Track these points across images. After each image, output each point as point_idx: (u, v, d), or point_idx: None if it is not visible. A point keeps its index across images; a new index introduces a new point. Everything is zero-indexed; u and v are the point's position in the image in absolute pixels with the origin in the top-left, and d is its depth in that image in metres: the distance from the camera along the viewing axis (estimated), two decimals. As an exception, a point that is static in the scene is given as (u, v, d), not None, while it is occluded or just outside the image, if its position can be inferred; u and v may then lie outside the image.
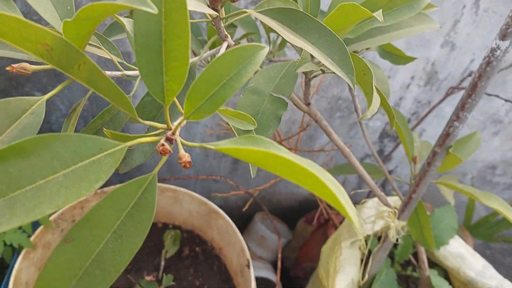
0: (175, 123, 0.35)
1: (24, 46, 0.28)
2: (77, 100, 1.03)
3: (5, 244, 0.85)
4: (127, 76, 0.41)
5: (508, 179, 1.48)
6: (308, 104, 0.67)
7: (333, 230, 1.19)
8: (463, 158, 0.69)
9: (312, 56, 0.58)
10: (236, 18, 0.52)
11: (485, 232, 1.33)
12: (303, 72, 0.64)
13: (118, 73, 0.41)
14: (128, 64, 0.45)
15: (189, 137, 1.16)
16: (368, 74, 0.51)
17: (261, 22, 0.78)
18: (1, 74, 0.93)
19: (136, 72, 0.43)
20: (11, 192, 0.27)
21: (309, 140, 1.25)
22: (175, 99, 0.35)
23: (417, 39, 1.03)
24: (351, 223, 0.25)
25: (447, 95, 1.14)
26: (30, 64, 0.36)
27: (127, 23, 0.38)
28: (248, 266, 0.86)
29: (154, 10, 0.27)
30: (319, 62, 0.58)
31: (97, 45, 0.41)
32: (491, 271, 0.91)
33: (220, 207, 1.01)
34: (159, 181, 1.08)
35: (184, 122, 0.34)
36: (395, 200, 0.97)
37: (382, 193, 0.77)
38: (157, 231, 1.05)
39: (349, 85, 0.48)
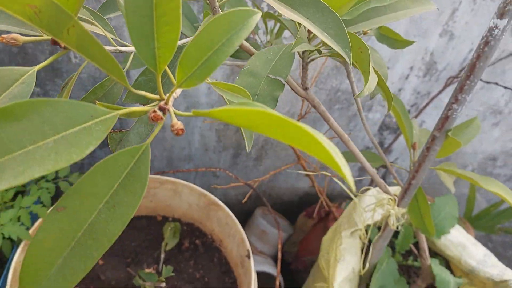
0: (168, 94, 0.34)
1: (12, 9, 0.28)
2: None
3: (3, 238, 0.84)
4: (120, 51, 0.41)
5: (509, 171, 1.48)
6: (305, 89, 0.66)
7: (333, 224, 1.18)
8: (462, 143, 0.69)
9: (308, 38, 0.58)
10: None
11: (486, 224, 1.33)
12: (300, 56, 0.63)
13: (111, 48, 0.40)
14: (122, 41, 0.45)
15: (189, 130, 1.15)
16: (364, 52, 0.50)
17: (258, 8, 0.77)
18: None
19: (129, 48, 0.43)
20: (0, 157, 0.27)
21: (309, 133, 1.25)
22: (168, 70, 0.35)
23: (415, 29, 1.02)
24: (344, 179, 0.24)
25: (446, 85, 1.14)
26: (22, 36, 0.35)
27: (119, -6, 0.37)
28: (248, 257, 0.85)
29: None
30: (317, 44, 0.58)
31: (90, 19, 0.41)
32: (492, 259, 0.90)
33: (220, 202, 1.01)
34: (158, 174, 1.07)
35: (178, 91, 0.34)
36: (395, 190, 0.97)
37: (382, 180, 0.76)
38: (157, 224, 1.04)
39: (346, 61, 0.48)
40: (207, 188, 1.36)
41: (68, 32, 0.28)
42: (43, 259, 0.31)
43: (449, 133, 0.67)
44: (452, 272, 0.96)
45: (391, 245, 0.98)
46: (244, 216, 1.47)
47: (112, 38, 0.42)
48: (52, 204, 0.92)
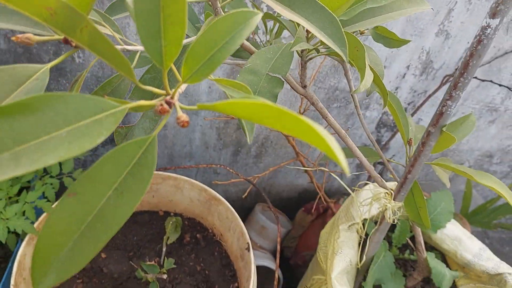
0: (174, 90, 0.36)
1: (29, 11, 0.30)
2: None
3: (9, 231, 0.86)
4: (127, 50, 0.43)
5: (505, 168, 1.50)
6: (304, 87, 0.68)
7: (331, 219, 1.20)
8: (457, 138, 0.71)
9: (307, 38, 0.60)
10: (232, -2, 0.53)
11: (483, 220, 1.35)
12: (299, 55, 0.65)
13: (118, 47, 0.42)
14: (128, 41, 0.47)
15: (190, 128, 1.17)
16: (360, 50, 0.52)
17: (257, 9, 0.79)
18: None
19: (136, 48, 0.45)
20: (16, 146, 0.29)
21: (308, 131, 1.27)
22: (173, 67, 0.37)
23: (411, 29, 1.04)
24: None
25: (443, 84, 1.16)
26: (34, 35, 0.37)
27: (127, -5, 0.39)
28: (248, 249, 0.87)
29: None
30: (315, 43, 0.60)
31: (99, 20, 0.43)
32: (487, 253, 0.92)
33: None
34: (160, 170, 1.09)
35: (183, 87, 0.36)
36: (392, 185, 0.99)
37: (378, 175, 0.78)
38: (159, 219, 1.06)
39: (343, 58, 0.50)
40: (208, 184, 1.38)
41: (81, 32, 0.30)
42: (55, 241, 0.33)
43: (443, 129, 0.68)
44: (448, 266, 0.98)
45: (388, 239, 1.00)
46: (244, 212, 1.49)
47: (119, 38, 0.44)
48: (56, 199, 0.94)
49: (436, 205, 0.95)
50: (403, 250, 1.02)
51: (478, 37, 0.60)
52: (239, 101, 0.28)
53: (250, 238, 1.31)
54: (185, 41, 0.53)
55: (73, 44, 0.36)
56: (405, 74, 1.15)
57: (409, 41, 0.70)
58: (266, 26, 0.80)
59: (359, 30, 0.69)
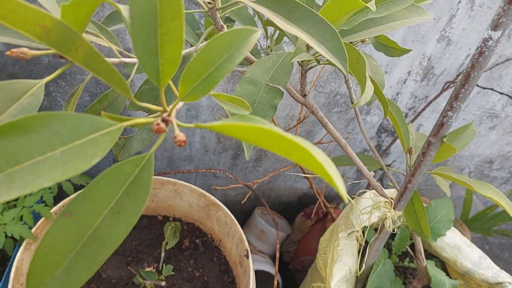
0: (171, 106, 0.36)
1: (23, 28, 0.29)
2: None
3: (6, 236, 0.86)
4: (125, 62, 0.43)
5: (505, 174, 1.49)
6: (304, 96, 0.68)
7: (331, 224, 1.20)
8: (458, 148, 0.70)
9: (307, 47, 0.59)
10: (232, 8, 0.53)
11: (482, 226, 1.34)
12: (299, 64, 0.65)
13: (115, 60, 0.42)
14: (126, 53, 0.46)
15: (190, 131, 1.17)
16: (361, 62, 0.52)
17: (259, 17, 0.79)
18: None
19: (134, 60, 0.45)
20: (9, 167, 0.28)
21: (308, 135, 1.27)
22: (171, 82, 0.37)
23: (413, 35, 1.04)
24: (337, 191, 0.26)
25: (444, 90, 1.15)
26: (30, 49, 0.37)
27: (124, 10, 0.39)
28: (247, 256, 0.87)
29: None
30: (315, 53, 0.59)
31: (96, 33, 0.42)
32: (487, 261, 0.92)
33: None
34: (159, 174, 1.09)
35: (180, 104, 0.35)
36: (392, 193, 0.98)
37: (378, 184, 0.78)
38: (158, 224, 1.06)
39: (343, 73, 0.49)
40: (207, 188, 1.38)
41: (76, 50, 0.30)
42: (50, 261, 0.32)
43: (444, 139, 0.68)
44: (447, 274, 0.97)
45: (388, 246, 1.00)
46: (244, 216, 1.49)
47: (117, 50, 0.44)
48: (54, 204, 0.93)
49: (436, 213, 0.95)
50: (402, 258, 1.01)
51: (479, 49, 0.59)
52: (236, 124, 0.28)
53: (249, 242, 1.31)
54: (184, 51, 0.53)
55: (69, 60, 0.36)
56: (406, 79, 1.15)
57: (409, 50, 0.70)
58: (266, 32, 0.80)
59: (360, 39, 0.69)
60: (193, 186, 1.01)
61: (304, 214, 1.36)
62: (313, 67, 0.63)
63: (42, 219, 0.88)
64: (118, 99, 0.44)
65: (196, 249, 1.02)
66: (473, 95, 1.20)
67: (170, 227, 1.00)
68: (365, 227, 0.92)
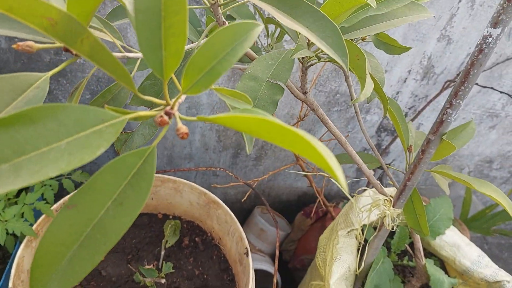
0: (174, 100, 0.36)
1: (30, 21, 0.30)
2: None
3: (7, 233, 0.86)
4: (128, 57, 0.43)
5: (505, 173, 1.50)
6: (305, 93, 0.68)
7: (330, 223, 1.20)
8: (457, 146, 0.71)
9: (308, 44, 0.59)
10: (234, 4, 0.53)
11: (482, 225, 1.35)
12: (299, 61, 0.65)
13: (119, 54, 0.42)
14: (129, 47, 0.47)
15: (190, 130, 1.17)
16: (361, 59, 0.52)
17: (260, 14, 0.79)
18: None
19: (137, 55, 0.45)
20: (16, 157, 0.29)
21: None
22: (173, 76, 0.37)
23: (413, 33, 1.04)
24: (338, 182, 0.26)
25: (444, 89, 1.16)
26: (35, 43, 0.37)
27: (128, 4, 0.39)
28: (247, 254, 0.87)
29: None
30: (316, 50, 0.60)
31: (100, 27, 0.43)
32: (486, 260, 0.92)
33: (220, 201, 1.03)
34: (160, 173, 1.09)
35: (183, 97, 0.36)
36: (391, 191, 0.98)
37: (378, 181, 0.78)
38: (158, 222, 1.06)
39: (343, 69, 0.49)
40: (207, 187, 1.38)
41: (81, 43, 0.30)
42: (54, 252, 0.33)
43: (443, 137, 0.68)
44: (446, 273, 0.98)
45: (387, 245, 1.00)
46: (244, 214, 1.49)
47: (120, 45, 0.44)
48: (55, 201, 0.94)
49: (436, 212, 0.95)
50: (402, 256, 1.01)
51: (479, 46, 0.60)
52: (239, 116, 0.28)
53: (249, 241, 1.31)
54: (186, 47, 0.53)
55: (74, 53, 0.36)
56: (406, 78, 1.15)
57: (410, 48, 0.70)
58: (267, 30, 0.80)
59: (360, 37, 0.69)
60: (193, 184, 1.01)
61: (304, 213, 1.37)
62: (314, 64, 0.64)
63: (43, 216, 0.88)
64: (121, 93, 0.44)
65: (196, 247, 1.02)
66: (473, 94, 1.20)
67: (170, 225, 1.01)
68: (364, 225, 0.93)
